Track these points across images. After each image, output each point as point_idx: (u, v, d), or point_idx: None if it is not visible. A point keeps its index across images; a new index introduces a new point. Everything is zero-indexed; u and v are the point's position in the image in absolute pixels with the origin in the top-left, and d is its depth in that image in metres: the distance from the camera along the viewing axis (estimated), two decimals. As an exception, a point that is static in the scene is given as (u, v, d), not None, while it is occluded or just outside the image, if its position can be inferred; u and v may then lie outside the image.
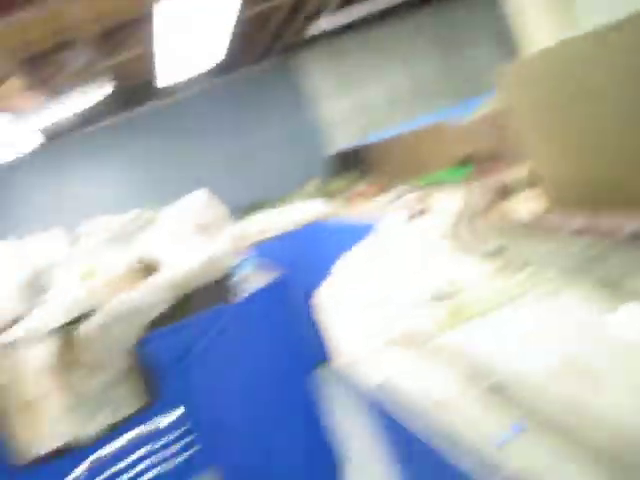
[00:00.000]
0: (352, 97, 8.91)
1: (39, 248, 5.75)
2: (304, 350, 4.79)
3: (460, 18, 9.26)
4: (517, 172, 4.49)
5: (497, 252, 2.72)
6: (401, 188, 5.76)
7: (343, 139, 8.74)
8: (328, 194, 7.33)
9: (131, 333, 4.09)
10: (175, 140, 8.70)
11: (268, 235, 6.50)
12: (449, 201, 4.59)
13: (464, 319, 2.26)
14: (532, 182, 4.04)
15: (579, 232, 2.69)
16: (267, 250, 5.76)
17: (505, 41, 8.10)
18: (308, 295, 6.72)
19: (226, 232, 4.61)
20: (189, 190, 5.17)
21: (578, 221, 2.69)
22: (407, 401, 1.76)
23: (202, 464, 3.66)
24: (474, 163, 5.40)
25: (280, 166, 8.49)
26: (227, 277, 4.18)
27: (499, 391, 1.64)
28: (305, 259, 6.45)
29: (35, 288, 5.64)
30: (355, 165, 7.74)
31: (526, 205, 3.54)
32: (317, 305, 3.21)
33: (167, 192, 6.37)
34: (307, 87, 8.94)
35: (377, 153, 7.31)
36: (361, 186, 6.97)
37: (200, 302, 4.10)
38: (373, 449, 5.06)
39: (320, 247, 6.29)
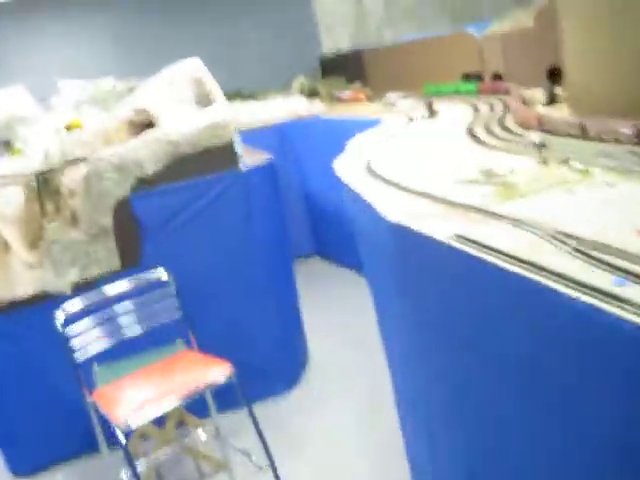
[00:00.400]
0: (348, 2, 8.60)
1: (1, 103, 5.43)
2: (287, 238, 4.71)
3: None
4: (529, 92, 4.43)
5: (538, 147, 2.65)
6: (396, 95, 5.63)
7: (335, 42, 8.48)
8: (313, 94, 7.13)
9: (119, 188, 3.91)
10: (156, 13, 8.26)
11: (252, 125, 6.29)
12: (459, 109, 4.50)
13: (517, 197, 2.20)
14: (551, 100, 3.99)
15: (620, 136, 2.65)
16: (252, 139, 5.58)
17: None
18: (297, 188, 6.63)
19: (224, 103, 4.40)
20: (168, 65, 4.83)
21: (621, 127, 2.65)
22: (493, 251, 1.69)
23: (178, 330, 3.56)
24: (480, 80, 5.31)
25: (267, 59, 8.19)
26: (227, 147, 4.02)
27: (585, 251, 1.59)
28: (292, 153, 6.31)
29: (-1, 140, 5.38)
30: (345, 70, 7.54)
31: (553, 113, 3.48)
32: (339, 172, 3.10)
33: (144, 67, 6.06)
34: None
35: (371, 60, 7.13)
36: (349, 91, 6.79)
37: (196, 167, 3.94)
38: (337, 349, 5.11)
39: (310, 142, 6.14)
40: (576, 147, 2.71)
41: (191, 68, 4.63)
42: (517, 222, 1.88)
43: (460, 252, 1.85)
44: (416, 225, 2.03)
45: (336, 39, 8.51)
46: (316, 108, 6.37)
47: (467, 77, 5.48)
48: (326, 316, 5.45)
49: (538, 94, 4.19)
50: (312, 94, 7.07)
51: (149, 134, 3.95)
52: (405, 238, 2.15)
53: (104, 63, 8.06)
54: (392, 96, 5.50)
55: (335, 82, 7.40)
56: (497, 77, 5.16)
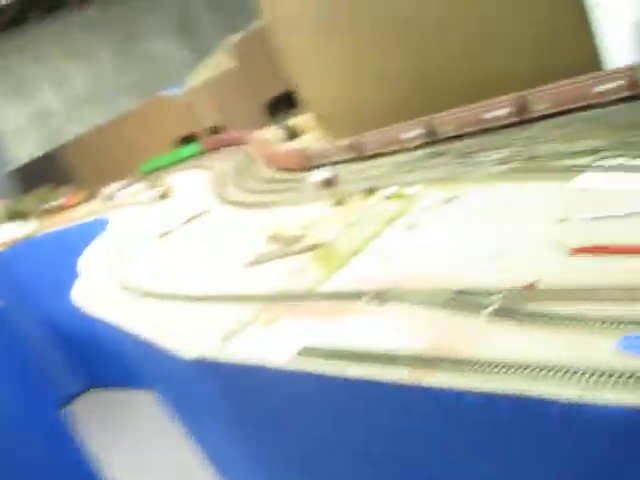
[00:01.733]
0: (26, 104, 7.65)
1: None
2: (45, 384, 3.76)
3: (133, 9, 8.54)
4: (263, 133, 3.95)
5: (325, 186, 2.11)
6: (113, 186, 4.88)
7: (21, 153, 7.45)
8: (19, 216, 6.09)
9: None
10: None
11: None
12: (192, 177, 3.88)
13: (343, 262, 1.61)
14: (292, 134, 3.53)
15: (404, 143, 2.21)
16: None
17: (185, 28, 7.65)
18: (37, 323, 5.52)
19: None
20: None
21: (403, 133, 2.21)
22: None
23: None
24: (199, 138, 4.75)
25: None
26: None
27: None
28: (13, 287, 5.24)
29: None
30: (49, 176, 6.58)
31: (311, 145, 3.00)
32: (89, 306, 2.32)
33: None
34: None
35: (71, 158, 6.27)
36: (60, 198, 5.89)
37: None
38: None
39: (38, 269, 5.13)
40: (363, 172, 2.21)
41: None
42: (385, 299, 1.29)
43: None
44: (235, 354, 1.36)
45: (22, 148, 7.51)
46: (27, 229, 5.39)
47: (183, 141, 4.89)
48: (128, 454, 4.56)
49: (273, 133, 3.71)
50: (17, 216, 6.03)
51: None
52: (222, 373, 1.47)
53: None
54: (109, 189, 4.77)
55: (42, 193, 6.40)
56: (216, 131, 4.63)
